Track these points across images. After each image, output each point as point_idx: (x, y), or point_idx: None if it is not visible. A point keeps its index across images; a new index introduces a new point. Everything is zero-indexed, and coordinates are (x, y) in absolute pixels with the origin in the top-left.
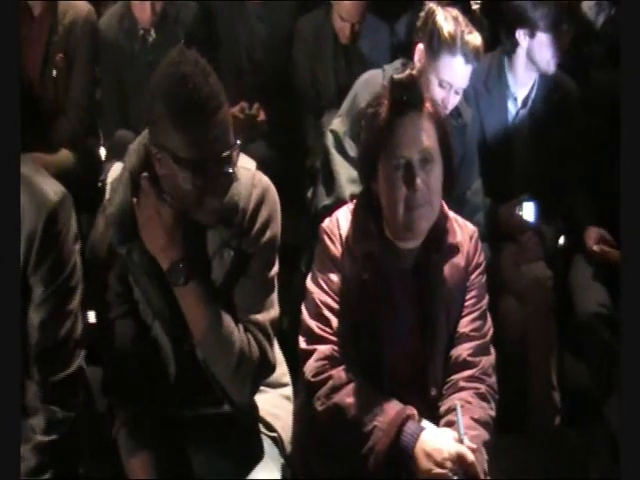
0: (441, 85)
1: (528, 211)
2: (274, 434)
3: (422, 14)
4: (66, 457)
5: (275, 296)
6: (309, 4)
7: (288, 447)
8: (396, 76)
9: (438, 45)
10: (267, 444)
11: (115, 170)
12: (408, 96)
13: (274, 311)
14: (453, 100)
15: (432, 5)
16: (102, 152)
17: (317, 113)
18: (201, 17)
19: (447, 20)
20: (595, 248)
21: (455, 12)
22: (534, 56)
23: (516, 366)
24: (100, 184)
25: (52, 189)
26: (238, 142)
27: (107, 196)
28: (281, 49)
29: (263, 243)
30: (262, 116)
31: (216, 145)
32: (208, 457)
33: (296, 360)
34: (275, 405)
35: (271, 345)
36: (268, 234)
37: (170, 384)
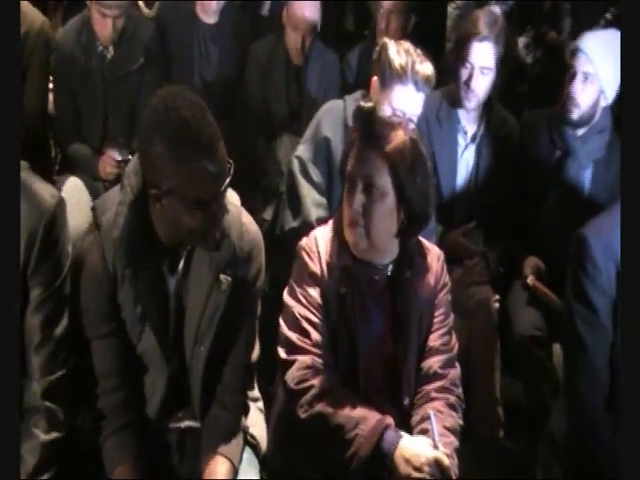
0: (395, 114)
1: (473, 238)
2: (254, 441)
3: (377, 48)
4: (66, 458)
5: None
6: (261, 28)
7: (262, 453)
8: (362, 104)
9: (390, 76)
10: (246, 451)
11: (71, 184)
12: (367, 125)
13: (257, 347)
14: None
15: (386, 40)
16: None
17: (268, 135)
18: (157, 36)
19: (399, 53)
20: (529, 281)
21: (407, 45)
22: (473, 89)
23: (462, 380)
24: None
25: (49, 193)
26: (231, 168)
27: (104, 218)
28: (233, 71)
29: (256, 284)
30: None
31: (220, 180)
32: (194, 465)
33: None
34: (252, 416)
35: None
36: (260, 280)
37: (157, 398)
